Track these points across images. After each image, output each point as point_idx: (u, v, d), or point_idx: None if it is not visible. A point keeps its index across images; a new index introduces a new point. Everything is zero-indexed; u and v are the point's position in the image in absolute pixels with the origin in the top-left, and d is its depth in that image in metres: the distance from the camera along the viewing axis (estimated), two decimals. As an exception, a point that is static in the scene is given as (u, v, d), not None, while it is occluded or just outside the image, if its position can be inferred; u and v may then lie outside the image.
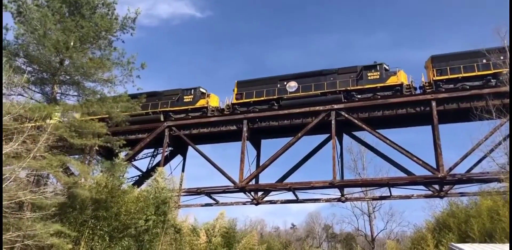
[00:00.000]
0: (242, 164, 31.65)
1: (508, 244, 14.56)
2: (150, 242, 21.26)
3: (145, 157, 38.56)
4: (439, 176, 27.19)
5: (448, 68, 29.42)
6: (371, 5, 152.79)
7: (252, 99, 33.89)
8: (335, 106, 30.60)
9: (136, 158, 36.84)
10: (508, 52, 26.03)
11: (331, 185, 29.91)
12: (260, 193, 33.67)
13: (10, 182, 15.44)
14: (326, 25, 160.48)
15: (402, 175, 30.24)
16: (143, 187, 27.79)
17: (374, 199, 41.10)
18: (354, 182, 33.49)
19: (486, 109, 23.11)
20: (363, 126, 29.74)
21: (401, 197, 32.74)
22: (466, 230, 22.74)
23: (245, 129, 32.42)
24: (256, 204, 33.59)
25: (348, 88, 31.59)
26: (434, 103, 28.45)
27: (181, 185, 29.09)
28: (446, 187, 30.13)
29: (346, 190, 33.47)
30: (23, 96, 20.91)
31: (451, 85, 29.13)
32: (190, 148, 36.03)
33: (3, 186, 14.60)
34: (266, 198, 33.97)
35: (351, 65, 32.90)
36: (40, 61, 21.10)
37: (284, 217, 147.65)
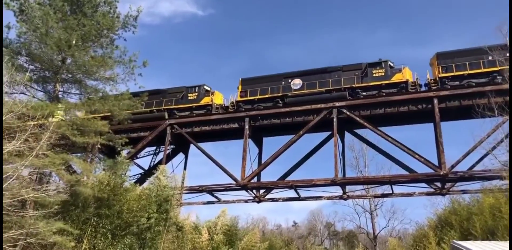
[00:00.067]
0: (244, 162, 31.66)
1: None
2: (152, 240, 21.30)
3: (147, 155, 38.65)
4: (441, 173, 27.16)
5: (453, 65, 29.30)
6: (372, 3, 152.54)
7: (257, 97, 33.81)
8: (337, 104, 30.57)
9: (138, 156, 36.90)
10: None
11: (333, 183, 29.94)
12: (262, 191, 33.69)
13: (13, 180, 15.46)
14: (327, 22, 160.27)
15: (404, 172, 30.22)
16: (145, 185, 27.79)
17: (376, 196, 41.25)
18: (356, 180, 33.51)
19: (488, 107, 23.08)
20: (365, 123, 29.71)
21: (403, 195, 32.73)
22: (468, 227, 22.77)
23: (247, 126, 32.42)
24: (258, 202, 33.61)
25: (353, 85, 31.48)
26: (436, 101, 28.38)
27: (183, 183, 29.17)
28: (448, 185, 30.09)
29: (348, 188, 33.49)
30: (26, 94, 20.95)
31: (457, 82, 29.03)
32: (192, 146, 36.07)
33: (6, 184, 14.64)
34: (268, 196, 34.01)
35: (356, 63, 32.79)
36: (42, 60, 21.11)
37: (286, 214, 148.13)
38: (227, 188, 33.05)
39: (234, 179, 31.29)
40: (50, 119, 19.37)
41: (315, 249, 57.46)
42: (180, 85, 37.29)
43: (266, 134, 35.69)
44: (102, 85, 22.78)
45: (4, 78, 17.18)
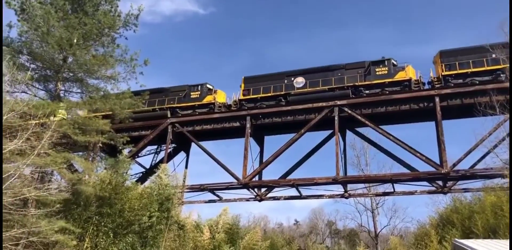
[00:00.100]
0: (245, 160, 31.69)
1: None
2: (154, 238, 21.30)
3: (149, 154, 38.69)
4: (442, 171, 27.16)
5: (457, 63, 29.25)
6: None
7: (259, 95, 33.82)
8: (338, 102, 30.54)
9: (139, 154, 36.91)
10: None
11: (334, 181, 29.95)
12: (263, 189, 33.71)
13: (15, 178, 15.47)
14: (328, 20, 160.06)
15: (406, 171, 30.25)
16: (147, 183, 27.81)
17: (377, 195, 41.26)
18: (357, 178, 33.54)
19: (490, 105, 23.04)
20: (366, 122, 29.71)
21: (404, 193, 32.67)
22: (470, 226, 22.74)
23: (248, 125, 32.42)
24: (260, 200, 33.65)
25: (356, 83, 31.48)
26: (437, 99, 28.35)
27: (184, 181, 29.16)
28: (449, 183, 30.05)
29: (349, 186, 33.40)
30: (27, 93, 20.97)
31: (460, 80, 28.97)
32: (193, 145, 36.11)
33: (8, 183, 14.65)
34: (270, 194, 34.05)
35: (359, 61, 32.78)
36: (44, 59, 21.12)
37: (288, 213, 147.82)
38: (228, 187, 33.09)
39: (236, 178, 31.30)
40: (51, 118, 19.38)
41: (316, 248, 57.42)
42: (181, 84, 37.30)
43: (268, 132, 35.70)
44: (104, 84, 22.82)
45: (6, 77, 17.19)
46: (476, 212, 23.17)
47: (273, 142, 65.77)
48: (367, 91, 31.10)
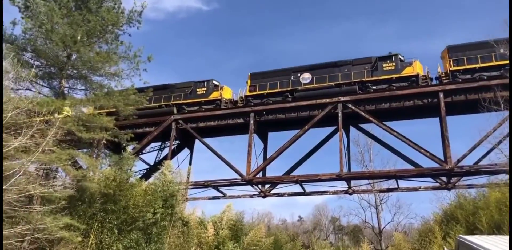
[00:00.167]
0: (249, 157, 31.66)
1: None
2: (158, 234, 21.37)
3: (153, 151, 38.70)
4: (446, 168, 27.07)
5: (465, 58, 29.04)
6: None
7: (266, 91, 33.69)
8: (342, 98, 30.46)
9: (143, 151, 36.94)
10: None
11: (338, 177, 29.90)
12: (267, 186, 33.71)
13: (20, 175, 15.54)
14: (332, 15, 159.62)
15: (410, 167, 30.16)
16: (151, 180, 27.89)
17: (381, 191, 41.22)
18: (361, 174, 33.49)
19: (494, 101, 22.94)
20: (370, 118, 29.62)
21: (408, 189, 32.70)
22: (474, 222, 22.76)
23: (252, 121, 32.37)
24: (263, 197, 33.64)
25: (363, 79, 31.31)
26: (441, 95, 28.21)
27: (188, 178, 29.22)
28: (454, 179, 29.97)
29: (353, 182, 33.46)
30: (31, 90, 21.08)
31: (468, 76, 28.77)
32: (197, 141, 36.08)
33: (13, 180, 14.72)
34: (273, 191, 34.03)
35: (366, 56, 32.62)
36: (48, 56, 21.18)
37: (291, 209, 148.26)
38: (232, 183, 33.08)
39: (240, 174, 31.32)
40: (56, 115, 19.45)
41: (320, 244, 57.46)
42: (186, 80, 37.26)
43: (272, 128, 35.63)
44: (107, 81, 22.90)
45: (10, 75, 17.25)
46: (480, 208, 23.18)
47: (277, 138, 65.55)
48: (374, 87, 30.89)
